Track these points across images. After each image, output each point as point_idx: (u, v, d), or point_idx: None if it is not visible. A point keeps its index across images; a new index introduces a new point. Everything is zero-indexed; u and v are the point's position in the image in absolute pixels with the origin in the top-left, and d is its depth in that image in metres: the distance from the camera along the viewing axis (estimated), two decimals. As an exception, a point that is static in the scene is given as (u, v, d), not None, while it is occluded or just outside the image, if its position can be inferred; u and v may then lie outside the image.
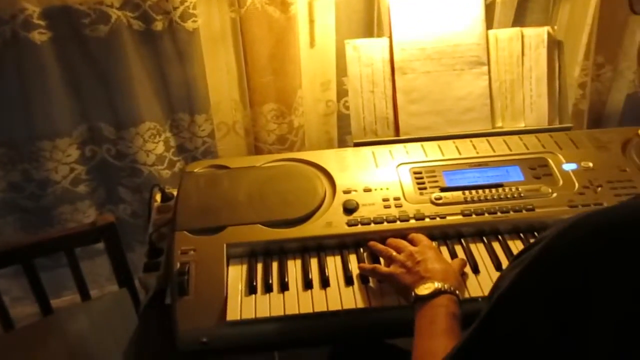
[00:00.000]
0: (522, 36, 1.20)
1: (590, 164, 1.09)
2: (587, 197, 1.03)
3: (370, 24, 1.39)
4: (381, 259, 0.95)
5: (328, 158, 1.13)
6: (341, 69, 1.41)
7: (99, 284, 1.45)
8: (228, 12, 1.24)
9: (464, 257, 0.94)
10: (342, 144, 1.51)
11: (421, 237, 0.95)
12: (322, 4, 1.30)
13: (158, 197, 1.22)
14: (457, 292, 0.79)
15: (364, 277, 0.93)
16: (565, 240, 0.47)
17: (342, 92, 1.45)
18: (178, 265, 0.94)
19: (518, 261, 0.50)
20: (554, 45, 1.21)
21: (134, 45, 1.21)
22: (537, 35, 1.20)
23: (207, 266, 0.95)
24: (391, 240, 0.96)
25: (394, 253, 0.92)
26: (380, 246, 0.96)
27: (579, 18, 1.51)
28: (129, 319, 1.03)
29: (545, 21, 1.50)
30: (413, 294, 0.80)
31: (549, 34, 1.20)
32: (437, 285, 0.79)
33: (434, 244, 0.96)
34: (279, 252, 0.99)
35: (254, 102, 1.35)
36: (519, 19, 1.48)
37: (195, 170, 1.13)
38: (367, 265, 0.93)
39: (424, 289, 0.79)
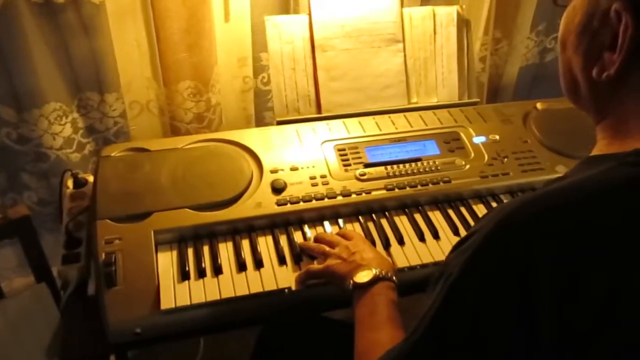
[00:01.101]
0: (434, 15, 1.25)
1: (497, 137, 1.18)
2: (496, 168, 1.12)
3: (286, -3, 1.37)
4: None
5: (252, 137, 1.13)
6: (257, 45, 1.38)
7: (5, 277, 1.34)
8: (137, -16, 1.16)
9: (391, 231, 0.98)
10: (260, 120, 1.50)
11: (353, 233, 0.96)
12: (236, -23, 1.26)
13: (70, 183, 1.14)
14: (394, 277, 0.81)
15: (296, 256, 0.95)
16: (507, 229, 0.50)
17: (259, 68, 1.43)
18: (103, 255, 0.90)
19: (462, 249, 0.53)
20: (463, 24, 1.27)
21: (33, 18, 1.11)
22: (447, 14, 1.26)
23: (134, 255, 0.91)
24: (321, 236, 0.96)
25: (327, 248, 0.92)
26: (311, 244, 0.95)
27: (479, -5, 1.60)
28: (50, 315, 0.98)
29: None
30: (351, 282, 0.80)
31: (458, 13, 1.26)
32: (375, 272, 0.79)
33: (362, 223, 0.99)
34: (209, 235, 0.98)
35: (169, 80, 1.29)
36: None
37: (112, 155, 1.07)
38: (300, 273, 0.91)
39: (362, 277, 0.79)
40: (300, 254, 0.95)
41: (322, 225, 1.01)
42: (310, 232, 0.99)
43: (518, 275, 0.49)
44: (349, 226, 1.01)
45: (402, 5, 1.24)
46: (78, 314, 0.96)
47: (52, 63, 1.17)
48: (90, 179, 1.14)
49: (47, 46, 1.15)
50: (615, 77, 0.53)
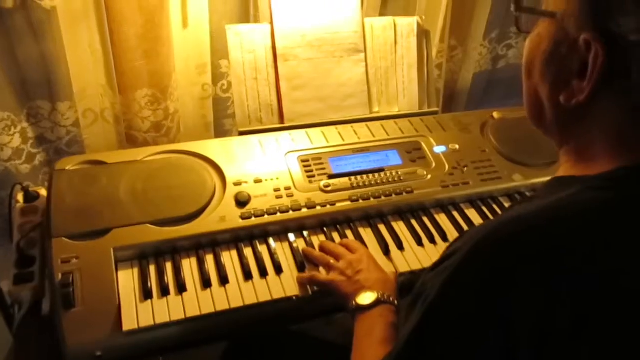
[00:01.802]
0: (395, 25, 1.27)
1: (457, 146, 1.20)
2: (456, 177, 1.14)
3: (246, 4, 1.35)
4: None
5: (214, 149, 1.10)
6: (217, 51, 1.36)
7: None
8: (91, -11, 1.12)
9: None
10: (219, 128, 1.48)
11: (357, 245, 0.96)
12: (194, -17, 1.23)
13: (20, 197, 1.09)
14: (396, 302, 0.82)
15: (262, 270, 0.94)
16: (483, 251, 0.51)
17: (218, 76, 1.40)
18: (60, 276, 0.86)
19: (438, 270, 0.54)
20: (423, 34, 1.29)
21: (-23, 24, 1.05)
22: (408, 24, 1.27)
23: (93, 274, 0.88)
24: (327, 246, 0.97)
25: (332, 260, 0.92)
26: (316, 253, 0.96)
27: (435, 4, 1.63)
28: (1, 339, 0.93)
29: (406, 6, 1.59)
30: (354, 303, 0.81)
31: (418, 23, 1.28)
32: (377, 295, 0.81)
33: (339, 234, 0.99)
34: (172, 251, 0.95)
35: (125, 88, 1.25)
36: (384, 4, 1.54)
37: (67, 168, 1.03)
38: (305, 274, 0.92)
39: (365, 299, 0.81)
40: (265, 269, 0.94)
41: (287, 238, 1.00)
42: (275, 245, 0.98)
43: (494, 298, 0.50)
44: (314, 239, 1.01)
45: (363, 16, 1.24)
46: (32, 337, 0.92)
47: (0, 71, 1.11)
48: (42, 192, 1.09)
49: (-7, 53, 1.09)
50: (583, 103, 0.55)
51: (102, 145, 1.30)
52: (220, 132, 1.49)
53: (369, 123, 1.22)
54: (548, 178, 0.63)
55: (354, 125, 1.21)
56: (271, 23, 1.17)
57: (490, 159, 1.19)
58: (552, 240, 0.50)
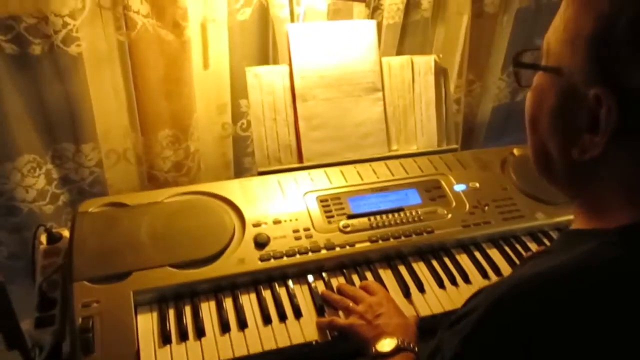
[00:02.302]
0: (412, 63, 1.27)
1: (477, 184, 1.19)
2: (477, 217, 1.12)
3: (265, 45, 1.38)
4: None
5: (233, 189, 1.11)
6: (236, 91, 1.38)
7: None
8: (115, 35, 1.15)
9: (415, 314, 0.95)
10: (239, 166, 1.49)
11: (377, 287, 0.95)
12: (215, 26, 1.26)
13: (43, 238, 1.11)
14: (416, 348, 0.81)
15: (281, 314, 0.93)
16: (504, 308, 0.50)
17: (238, 115, 1.42)
18: (80, 320, 0.87)
19: (455, 330, 0.53)
20: (440, 72, 1.29)
21: (7, 70, 1.08)
22: (425, 62, 1.28)
23: (113, 318, 0.88)
24: (345, 289, 0.96)
25: (351, 304, 0.91)
26: (335, 296, 0.95)
27: (452, 40, 1.64)
28: (22, 383, 0.93)
29: (423, 43, 1.60)
30: (374, 349, 0.81)
31: (435, 61, 1.29)
32: (398, 341, 0.80)
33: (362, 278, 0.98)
34: (191, 295, 0.95)
35: (147, 128, 1.27)
36: (401, 42, 1.56)
37: (89, 210, 1.04)
38: (324, 319, 0.91)
39: (385, 345, 0.80)
40: (285, 313, 0.93)
41: (306, 280, 1.00)
42: (294, 287, 0.98)
43: (516, 357, 0.48)
44: (333, 281, 1.00)
45: (380, 55, 1.25)
46: (52, 381, 0.92)
47: (27, 115, 1.14)
48: (65, 233, 1.11)
49: (21, 98, 1.12)
50: (597, 157, 0.53)
51: (124, 185, 1.32)
52: (240, 169, 1.50)
53: (387, 162, 1.22)
54: (571, 217, 0.62)
55: (373, 164, 1.21)
56: (290, 64, 1.19)
57: (512, 197, 1.18)
58: (573, 298, 0.49)
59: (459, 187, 1.18)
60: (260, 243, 1.01)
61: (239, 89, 1.37)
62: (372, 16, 1.43)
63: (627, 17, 0.48)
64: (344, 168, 1.19)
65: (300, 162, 1.20)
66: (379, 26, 1.43)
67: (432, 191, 1.16)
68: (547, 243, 1.13)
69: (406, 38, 1.58)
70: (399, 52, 1.53)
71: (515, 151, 1.29)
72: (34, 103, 1.14)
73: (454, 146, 1.31)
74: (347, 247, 1.03)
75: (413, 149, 1.28)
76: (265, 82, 1.18)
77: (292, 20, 1.30)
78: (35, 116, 1.16)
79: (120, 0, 1.11)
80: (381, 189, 1.15)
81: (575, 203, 0.61)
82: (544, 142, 0.59)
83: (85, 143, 1.23)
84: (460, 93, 1.74)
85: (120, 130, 1.27)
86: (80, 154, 1.23)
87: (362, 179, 1.17)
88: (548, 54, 0.57)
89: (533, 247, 1.11)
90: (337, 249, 1.03)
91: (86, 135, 1.22)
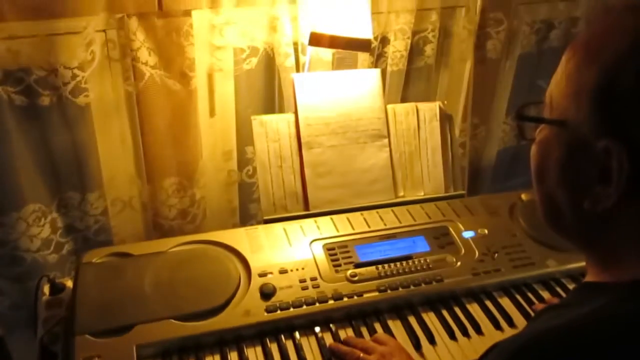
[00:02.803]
0: (417, 110, 1.28)
1: (486, 231, 1.17)
2: (487, 264, 1.10)
3: (271, 93, 1.39)
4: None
5: (239, 238, 1.10)
6: (242, 138, 1.39)
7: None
8: (123, 86, 1.17)
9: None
10: (245, 212, 1.48)
11: (387, 337, 0.94)
12: (222, 75, 1.28)
13: (46, 288, 1.09)
14: None
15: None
16: None
17: (244, 161, 1.43)
18: (81, 376, 0.84)
19: None
20: (445, 118, 1.30)
21: (15, 120, 1.09)
22: (430, 109, 1.29)
23: (115, 374, 0.86)
24: (353, 341, 0.94)
25: (362, 354, 0.89)
26: (344, 348, 0.92)
27: (456, 86, 1.66)
28: None
29: (427, 89, 1.62)
30: None
31: (440, 108, 1.29)
32: None
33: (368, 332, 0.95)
34: (195, 348, 0.93)
35: (153, 176, 1.27)
36: (405, 88, 1.58)
37: (93, 261, 1.03)
38: None
39: None
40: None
41: (314, 331, 0.97)
42: (301, 339, 0.95)
43: None
44: (341, 332, 0.97)
45: (385, 102, 1.26)
46: None
47: (34, 165, 1.15)
48: (68, 283, 1.09)
49: (28, 147, 1.13)
50: (609, 208, 0.52)
51: (129, 233, 1.31)
52: (246, 216, 1.49)
53: (394, 208, 1.21)
54: (583, 264, 0.60)
55: (380, 210, 1.20)
56: (295, 112, 1.20)
57: (521, 243, 1.16)
58: (591, 352, 0.47)
59: (468, 234, 1.16)
60: (267, 293, 0.99)
61: (245, 136, 1.38)
62: (376, 63, 1.45)
63: (633, 68, 0.48)
64: (350, 215, 1.18)
65: (306, 209, 1.19)
66: (383, 73, 1.45)
67: (441, 238, 1.15)
68: (560, 291, 1.10)
69: (410, 84, 1.59)
70: (403, 98, 1.54)
71: (524, 196, 1.28)
72: (41, 153, 1.15)
73: (461, 192, 1.30)
74: (355, 297, 1.01)
75: (420, 195, 1.27)
76: (271, 129, 1.19)
77: (298, 68, 1.32)
78: (42, 166, 1.16)
79: (129, 52, 1.13)
80: (389, 237, 1.13)
81: (585, 254, 0.59)
82: (552, 193, 0.57)
83: (91, 192, 1.23)
84: (465, 137, 1.75)
85: (126, 178, 1.27)
86: (86, 202, 1.23)
87: (369, 226, 1.16)
88: (552, 107, 0.56)
89: (545, 295, 1.09)
90: (345, 299, 1.00)
91: (92, 183, 1.22)
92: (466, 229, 1.17)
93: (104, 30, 1.12)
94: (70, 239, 1.27)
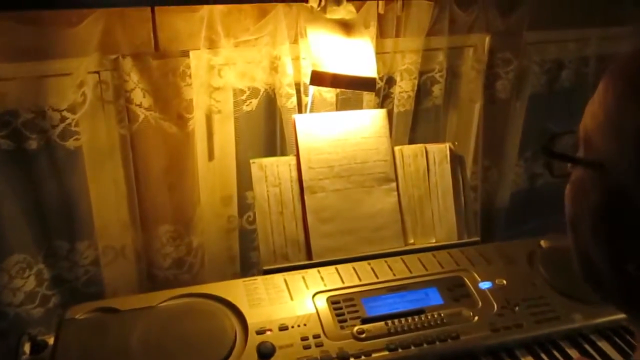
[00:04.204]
0: (426, 152, 1.21)
1: (504, 281, 1.08)
2: (507, 319, 1.01)
3: (272, 136, 1.34)
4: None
5: (236, 290, 1.01)
6: (243, 183, 1.32)
7: None
8: (117, 128, 1.11)
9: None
10: (245, 261, 1.40)
11: None
12: (221, 117, 1.22)
13: (27, 347, 1.00)
14: None
15: None
16: None
17: (244, 207, 1.35)
18: None
19: None
20: (456, 160, 1.23)
21: (1, 165, 1.04)
22: (440, 150, 1.22)
23: None
24: None
25: None
26: None
27: (466, 127, 1.60)
28: None
29: (436, 130, 1.56)
30: None
31: (450, 149, 1.22)
32: None
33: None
34: (184, 417, 0.83)
35: (147, 223, 1.20)
36: (413, 129, 1.52)
37: (76, 317, 0.94)
38: None
39: None
40: None
41: (317, 396, 0.87)
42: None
43: None
44: (347, 398, 0.88)
45: (392, 144, 1.20)
46: None
47: (20, 213, 1.08)
48: (51, 341, 1.00)
49: (15, 195, 1.07)
50: None
51: (121, 284, 1.23)
52: (247, 264, 1.41)
53: (404, 257, 1.12)
54: (613, 317, 0.51)
55: (388, 259, 1.11)
56: (297, 154, 1.13)
57: (543, 295, 1.06)
58: None
59: (485, 285, 1.07)
60: (265, 354, 0.90)
61: (245, 181, 1.31)
62: (382, 104, 1.39)
63: None
64: (356, 265, 1.09)
65: (309, 258, 1.11)
66: (390, 114, 1.39)
67: (455, 290, 1.06)
68: (589, 348, 1.00)
69: (418, 125, 1.54)
70: (411, 140, 1.48)
71: (543, 243, 1.19)
72: (28, 200, 1.09)
73: (476, 238, 1.21)
74: (363, 357, 0.92)
75: (431, 242, 1.19)
76: (271, 173, 1.12)
77: (300, 110, 1.27)
78: (28, 213, 1.10)
79: (123, 94, 1.08)
80: (398, 288, 1.05)
81: (634, 326, 0.50)
82: (586, 248, 0.49)
83: (81, 240, 1.16)
84: (476, 180, 1.68)
85: (118, 226, 1.20)
86: (75, 251, 1.16)
87: (377, 276, 1.07)
88: (588, 145, 0.48)
89: (573, 353, 0.99)
90: (352, 359, 0.91)
91: (82, 231, 1.16)
92: (483, 280, 1.08)
93: (97, 72, 1.07)
94: (58, 291, 1.18)
